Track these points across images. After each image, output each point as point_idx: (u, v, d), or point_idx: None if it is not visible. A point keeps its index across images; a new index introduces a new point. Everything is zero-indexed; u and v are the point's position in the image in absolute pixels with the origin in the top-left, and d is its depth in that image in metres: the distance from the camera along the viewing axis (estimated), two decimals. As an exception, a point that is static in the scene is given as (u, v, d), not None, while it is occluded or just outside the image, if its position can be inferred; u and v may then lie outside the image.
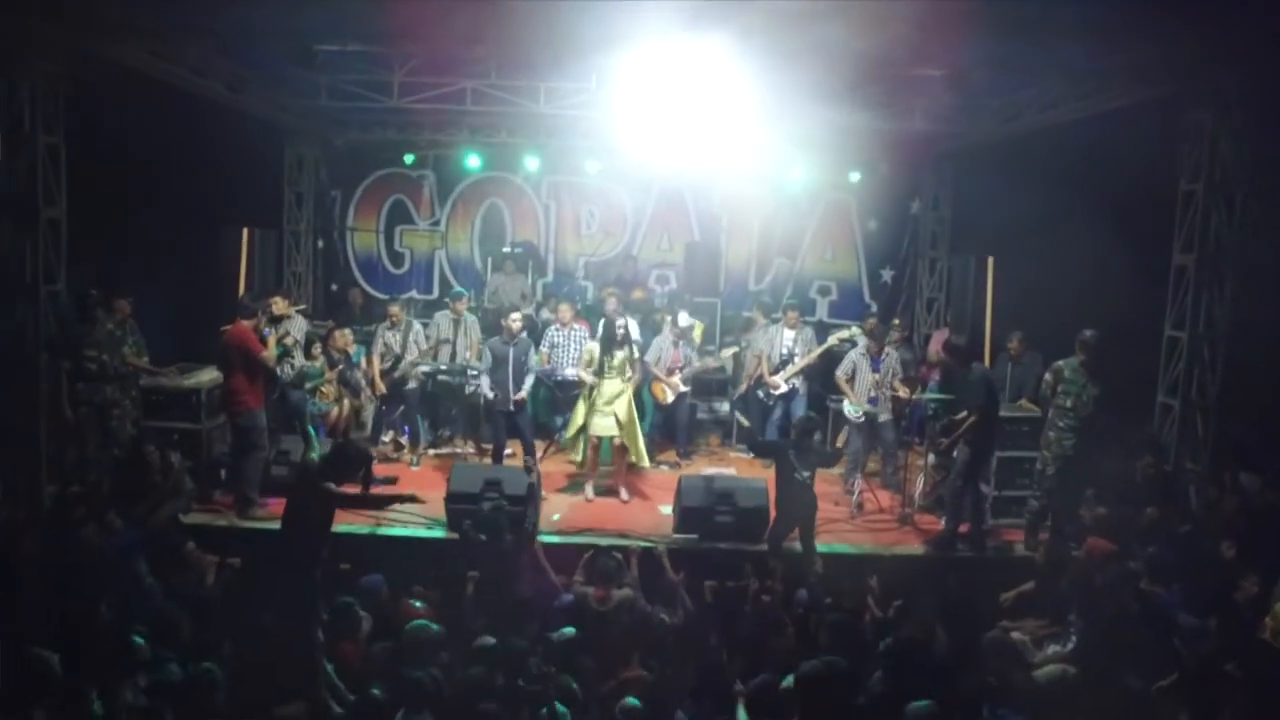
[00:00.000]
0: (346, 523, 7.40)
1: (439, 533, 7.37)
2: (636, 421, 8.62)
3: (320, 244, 13.02)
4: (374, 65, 9.51)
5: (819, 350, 9.80)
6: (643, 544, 7.07)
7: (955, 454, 7.44)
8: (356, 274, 13.08)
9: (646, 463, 8.72)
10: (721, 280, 12.70)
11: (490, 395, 8.48)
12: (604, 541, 7.15)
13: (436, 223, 13.02)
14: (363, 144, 12.37)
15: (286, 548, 5.37)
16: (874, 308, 12.98)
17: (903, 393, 8.65)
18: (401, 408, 10.16)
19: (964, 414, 7.33)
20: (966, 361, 7.39)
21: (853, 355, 9.00)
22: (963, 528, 7.43)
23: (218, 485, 7.99)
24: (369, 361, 9.27)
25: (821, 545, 7.23)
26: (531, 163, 12.38)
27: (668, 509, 8.05)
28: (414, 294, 13.01)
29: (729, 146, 11.27)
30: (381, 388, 9.14)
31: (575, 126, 11.59)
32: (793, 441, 7.07)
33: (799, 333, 9.92)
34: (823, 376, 10.39)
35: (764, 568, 6.72)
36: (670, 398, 9.85)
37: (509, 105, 9.80)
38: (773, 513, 7.26)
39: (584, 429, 8.49)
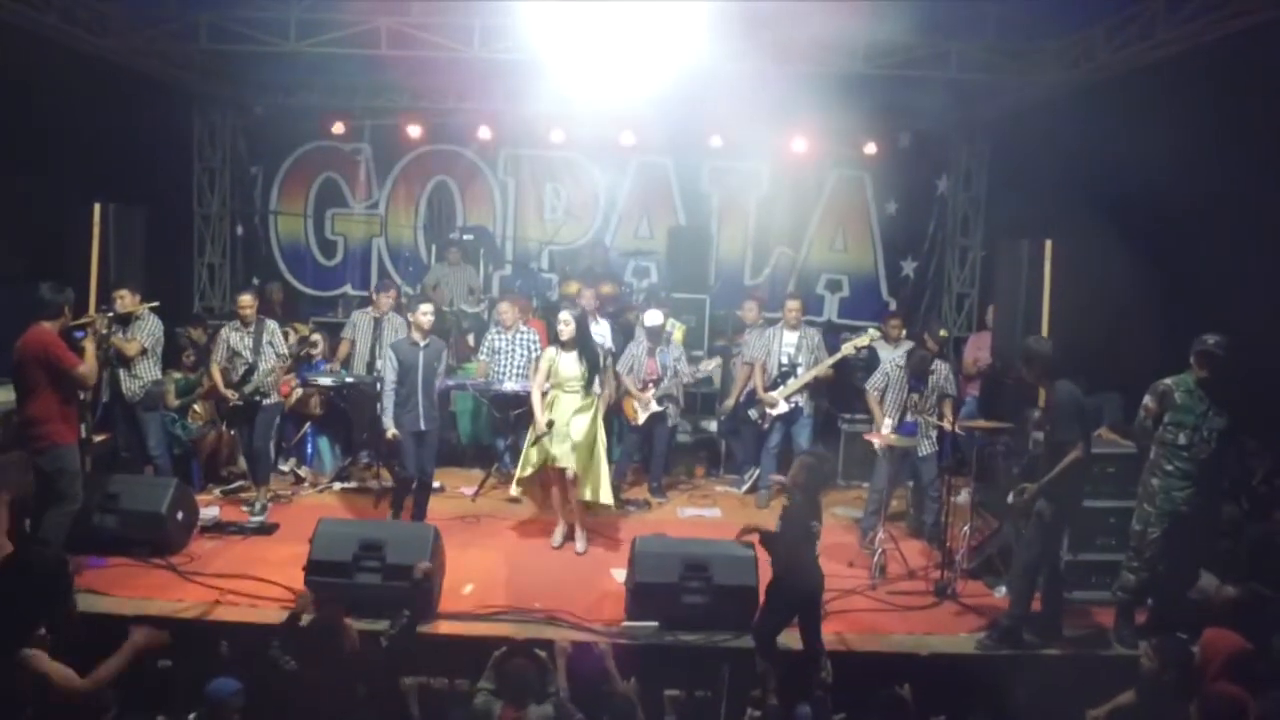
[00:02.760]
0: (168, 598, 5.42)
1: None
2: (599, 447, 6.67)
3: (239, 230, 11.00)
4: (266, -1, 7.56)
5: (830, 360, 7.73)
6: (578, 636, 5.03)
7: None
8: (281, 266, 11.09)
9: (608, 500, 6.69)
10: (712, 273, 10.69)
11: (385, 415, 6.43)
12: (525, 629, 5.10)
13: (374, 205, 10.99)
14: (286, 111, 10.40)
15: None
16: (893, 305, 10.96)
17: (947, 421, 6.56)
18: (307, 426, 8.15)
19: (1032, 443, 5.25)
20: (1051, 376, 5.28)
21: (888, 365, 6.93)
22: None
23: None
24: (211, 374, 7.17)
25: (830, 635, 5.15)
26: (485, 132, 10.33)
27: (623, 575, 6.00)
28: (348, 289, 11.04)
29: (721, 110, 9.40)
30: (232, 398, 6.96)
31: (535, 87, 9.59)
32: (802, 500, 4.93)
33: (803, 336, 7.83)
34: (832, 390, 8.34)
35: (750, 672, 4.79)
36: (642, 418, 7.80)
37: (435, 49, 7.76)
38: (762, 592, 5.19)
39: (540, 462, 6.56)
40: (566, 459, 6.44)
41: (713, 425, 9.09)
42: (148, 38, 7.94)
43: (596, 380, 6.62)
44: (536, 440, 6.54)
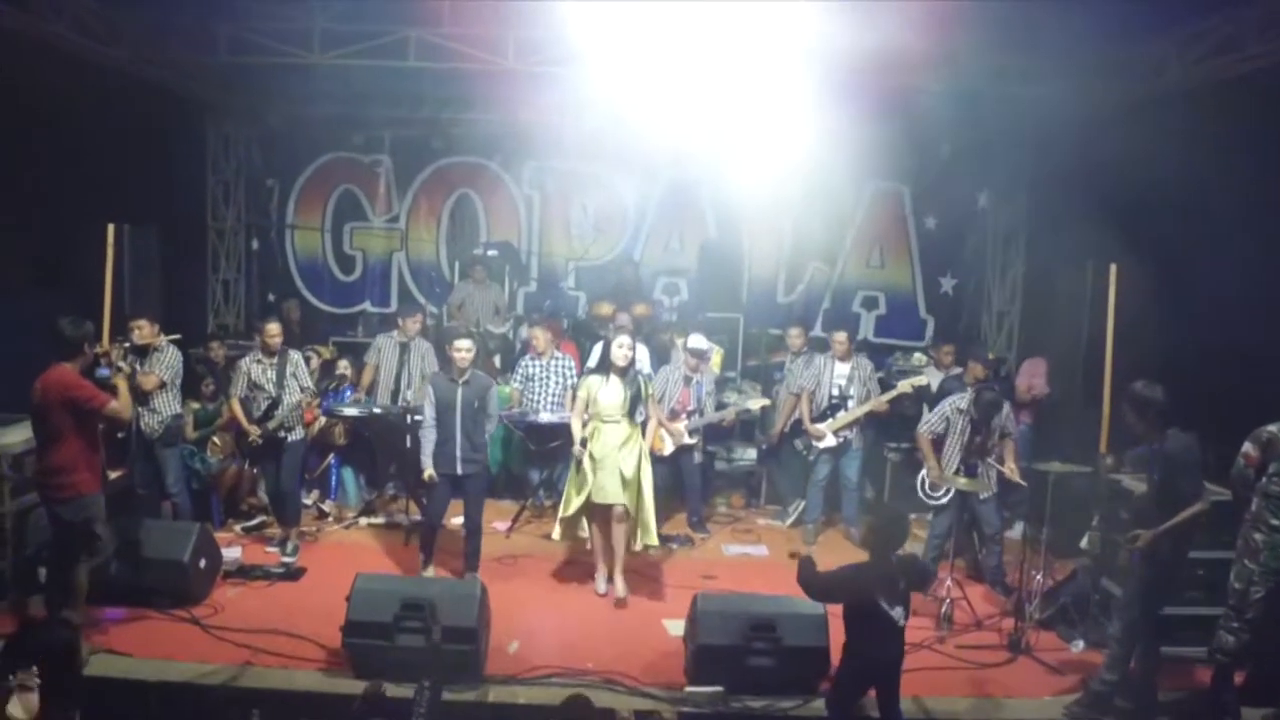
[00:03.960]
0: (191, 656, 5.03)
1: (342, 683, 4.90)
2: (647, 484, 6.19)
3: (255, 245, 10.61)
4: (288, 7, 7.17)
5: (886, 397, 7.35)
6: (639, 703, 4.65)
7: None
8: (298, 282, 10.68)
9: (654, 541, 6.25)
10: (744, 290, 10.29)
11: (425, 456, 6.03)
12: (569, 689, 4.71)
13: (395, 219, 10.58)
14: (303, 121, 10.01)
15: None
16: (930, 324, 10.58)
17: (1008, 468, 6.15)
18: (331, 458, 7.78)
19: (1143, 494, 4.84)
20: (1164, 425, 4.87)
21: (948, 408, 6.46)
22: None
23: (33, 590, 5.55)
24: (230, 408, 6.77)
25: (905, 698, 4.75)
26: (510, 144, 9.93)
27: (678, 627, 5.62)
28: (367, 306, 10.64)
29: (753, 121, 8.99)
30: (254, 434, 6.51)
31: (564, 98, 9.19)
32: (872, 561, 4.55)
33: (855, 367, 7.43)
34: (878, 418, 7.94)
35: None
36: (669, 449, 7.36)
37: (467, 60, 7.38)
38: (834, 653, 4.81)
39: (586, 500, 6.08)
40: (617, 495, 5.98)
41: (751, 453, 8.70)
42: (161, 48, 7.56)
43: (639, 408, 6.18)
44: (579, 473, 6.08)
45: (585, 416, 6.17)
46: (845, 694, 4.57)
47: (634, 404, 6.12)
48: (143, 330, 6.37)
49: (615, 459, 6.00)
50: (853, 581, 4.35)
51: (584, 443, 6.04)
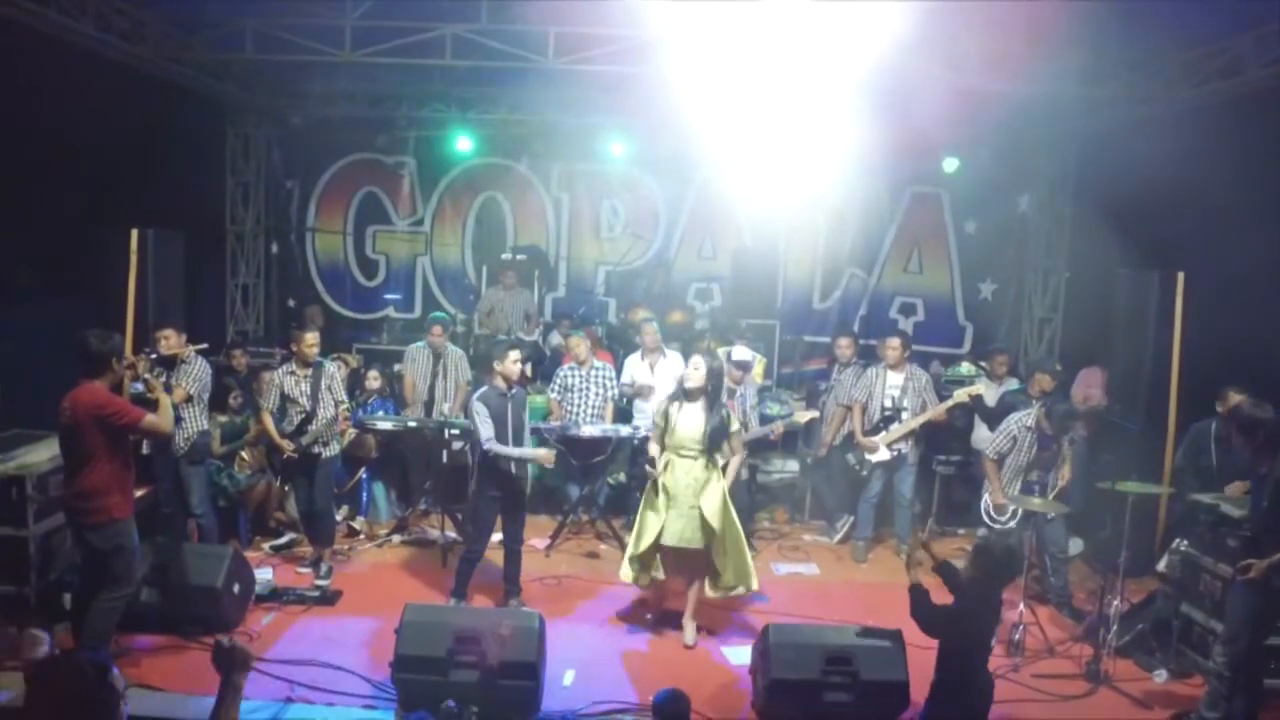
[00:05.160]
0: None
1: (384, 716, 4.62)
2: (736, 526, 5.50)
3: (274, 248, 10.32)
4: (318, 4, 6.89)
5: (944, 406, 7.04)
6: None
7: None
8: (319, 286, 10.41)
9: (755, 586, 5.59)
10: (779, 297, 9.99)
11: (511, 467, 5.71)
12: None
13: (419, 222, 10.29)
14: (325, 122, 9.73)
15: None
16: (969, 330, 10.30)
17: (1065, 479, 5.86)
18: (362, 472, 7.47)
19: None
20: (1273, 448, 4.56)
21: (1015, 427, 6.15)
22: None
23: (59, 618, 5.25)
24: (262, 422, 6.41)
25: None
26: (539, 146, 9.64)
27: (739, 655, 5.32)
28: (390, 312, 10.35)
29: (789, 124, 8.70)
30: (287, 450, 6.17)
31: (595, 98, 8.94)
32: (984, 596, 4.20)
33: (909, 378, 7.11)
34: (926, 431, 7.63)
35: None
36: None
37: (505, 58, 7.08)
38: (913, 688, 4.51)
39: (658, 539, 5.44)
40: (690, 539, 5.34)
41: (793, 465, 8.40)
42: (185, 45, 7.26)
43: (723, 444, 5.48)
44: (651, 506, 5.44)
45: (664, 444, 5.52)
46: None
47: (715, 438, 5.39)
48: (169, 340, 6.05)
49: (689, 500, 5.35)
50: (973, 621, 4.03)
51: (652, 462, 5.49)
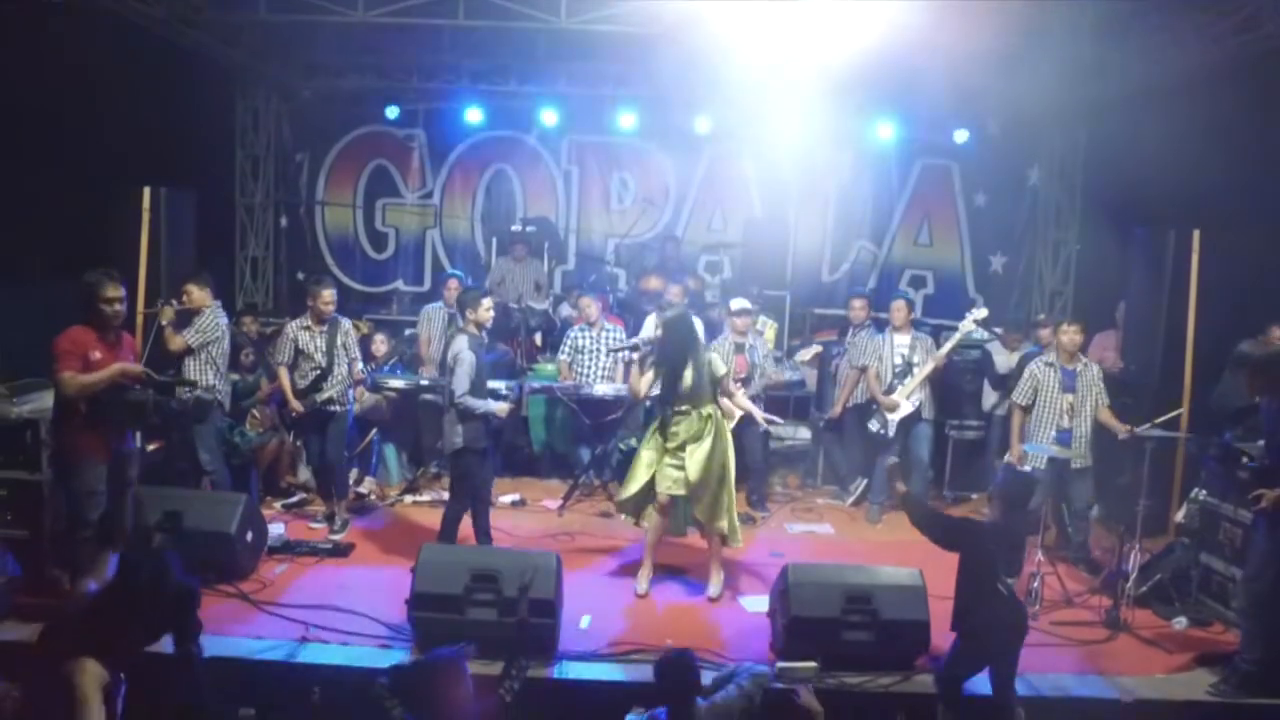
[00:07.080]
0: (244, 633, 4.72)
1: (400, 655, 4.59)
2: (725, 480, 5.50)
3: (283, 221, 10.31)
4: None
5: (949, 345, 6.97)
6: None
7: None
8: (328, 259, 10.39)
9: (738, 541, 5.66)
10: (789, 269, 9.95)
11: (497, 414, 5.67)
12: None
13: (428, 195, 10.27)
14: (335, 94, 9.76)
15: None
16: (980, 302, 10.24)
17: (1121, 431, 5.81)
18: (373, 433, 7.45)
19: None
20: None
21: (1034, 368, 6.15)
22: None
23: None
24: (279, 378, 6.32)
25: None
26: (548, 117, 9.64)
27: (755, 603, 5.29)
28: (400, 284, 10.34)
29: (800, 94, 8.67)
30: (297, 408, 6.17)
31: (605, 68, 8.94)
32: (992, 524, 4.22)
33: (916, 338, 7.09)
34: (938, 396, 7.57)
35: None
36: (734, 418, 6.97)
37: (517, 19, 7.06)
38: (933, 623, 4.49)
39: (651, 485, 5.50)
40: (674, 485, 5.39)
41: (804, 432, 8.37)
42: (198, 7, 7.25)
43: (708, 395, 5.50)
44: (649, 447, 5.51)
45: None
46: (965, 669, 4.24)
47: (697, 391, 5.38)
48: (191, 295, 6.03)
49: (680, 451, 5.40)
50: (975, 532, 4.02)
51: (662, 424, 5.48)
